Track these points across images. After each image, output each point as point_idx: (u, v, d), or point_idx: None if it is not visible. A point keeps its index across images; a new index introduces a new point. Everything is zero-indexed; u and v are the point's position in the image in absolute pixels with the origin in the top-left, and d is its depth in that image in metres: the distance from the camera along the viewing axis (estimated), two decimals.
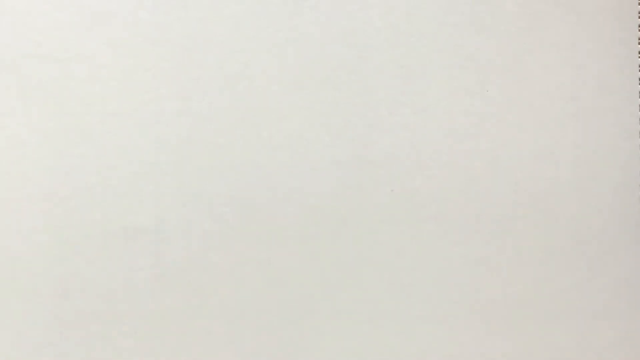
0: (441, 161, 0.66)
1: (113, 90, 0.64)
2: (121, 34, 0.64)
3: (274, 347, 0.65)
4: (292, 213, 0.65)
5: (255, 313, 0.65)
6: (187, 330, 0.64)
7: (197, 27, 0.65)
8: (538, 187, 0.67)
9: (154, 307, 0.64)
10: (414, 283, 0.66)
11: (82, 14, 0.64)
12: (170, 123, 0.64)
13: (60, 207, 0.63)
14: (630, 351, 0.68)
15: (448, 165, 0.66)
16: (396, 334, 0.66)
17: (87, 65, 0.64)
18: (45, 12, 0.64)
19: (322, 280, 0.65)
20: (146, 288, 0.64)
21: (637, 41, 0.68)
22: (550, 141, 0.67)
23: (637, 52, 0.68)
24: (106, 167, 0.64)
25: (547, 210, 0.67)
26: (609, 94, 0.68)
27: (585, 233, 0.68)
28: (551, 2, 0.68)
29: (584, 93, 0.67)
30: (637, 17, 0.68)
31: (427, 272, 0.66)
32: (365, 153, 0.65)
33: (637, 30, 0.68)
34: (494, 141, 0.67)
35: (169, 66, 0.64)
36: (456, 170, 0.66)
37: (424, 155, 0.66)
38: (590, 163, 0.68)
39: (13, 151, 0.63)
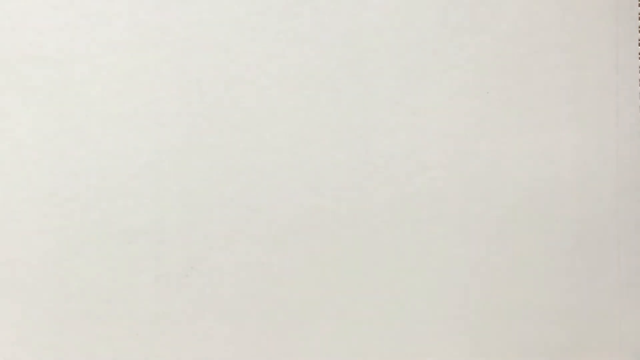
0: (442, 162, 0.66)
1: (113, 92, 0.64)
2: (122, 35, 0.64)
3: (274, 348, 0.65)
4: (292, 215, 0.65)
5: (256, 314, 0.65)
6: (187, 332, 0.64)
7: (197, 28, 0.65)
8: (538, 188, 0.67)
9: (154, 308, 0.64)
10: (415, 284, 0.66)
11: (82, 15, 0.64)
12: (170, 124, 0.64)
13: (60, 208, 0.63)
14: (630, 351, 0.68)
15: (448, 166, 0.66)
16: (396, 334, 0.66)
17: (88, 66, 0.64)
18: (46, 13, 0.64)
19: (323, 281, 0.65)
20: (146, 290, 0.64)
21: (637, 42, 0.68)
22: (550, 142, 0.67)
23: (638, 53, 0.68)
24: (106, 169, 0.64)
25: (548, 211, 0.67)
26: (609, 94, 0.68)
27: (585, 233, 0.68)
28: (551, 2, 0.67)
29: (584, 93, 0.67)
30: (637, 17, 0.68)
31: (428, 273, 0.66)
32: (366, 154, 0.66)
33: (637, 30, 0.68)
34: (495, 142, 0.67)
35: (169, 67, 0.64)
36: (457, 172, 0.66)
37: (424, 156, 0.66)
38: (590, 163, 0.68)
39: (13, 153, 0.63)
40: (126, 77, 0.64)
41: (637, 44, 0.68)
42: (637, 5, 0.68)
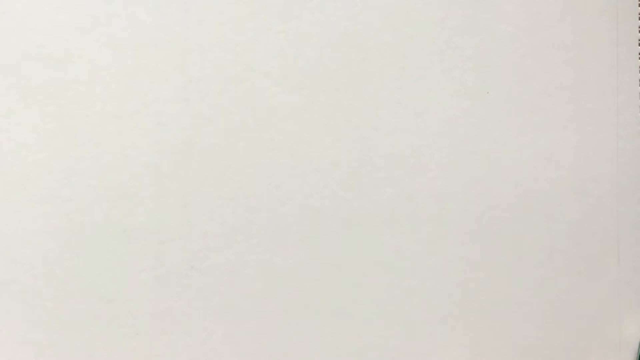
0: (442, 163, 0.66)
1: (114, 92, 0.64)
2: (122, 35, 0.64)
3: (274, 347, 0.65)
4: (292, 215, 0.65)
5: (256, 314, 0.65)
6: (187, 332, 0.64)
7: (198, 28, 0.65)
8: (538, 188, 0.67)
9: (154, 308, 0.64)
10: (415, 284, 0.66)
11: (83, 15, 0.64)
12: (171, 124, 0.64)
13: (61, 208, 0.63)
14: (630, 351, 0.68)
15: (449, 166, 0.66)
16: (396, 334, 0.66)
17: (88, 66, 0.64)
18: (47, 14, 0.64)
19: (323, 281, 0.65)
20: (147, 289, 0.64)
21: (637, 42, 0.68)
22: (550, 142, 0.67)
23: (638, 53, 0.68)
24: (107, 169, 0.64)
25: (548, 211, 0.67)
26: (609, 94, 0.68)
27: (585, 233, 0.68)
28: (551, 2, 0.68)
29: (584, 93, 0.67)
30: (637, 17, 0.68)
31: (428, 273, 0.66)
32: (366, 155, 0.66)
33: (637, 30, 0.68)
34: (495, 142, 0.67)
35: (169, 68, 0.64)
36: (457, 172, 0.66)
37: (424, 156, 0.66)
38: (590, 163, 0.68)
39: (14, 153, 0.63)
40: (126, 77, 0.64)
41: (637, 44, 0.68)
42: (637, 5, 0.68)
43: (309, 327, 0.65)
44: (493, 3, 0.67)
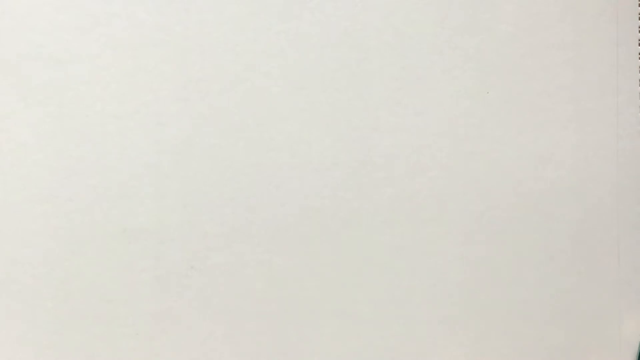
0: (442, 163, 0.66)
1: (114, 92, 0.64)
2: (122, 35, 0.64)
3: (274, 347, 0.65)
4: (292, 215, 0.65)
5: (256, 314, 0.65)
6: (187, 332, 0.64)
7: (198, 28, 0.65)
8: (538, 188, 0.67)
9: (154, 308, 0.64)
10: (415, 284, 0.66)
11: (83, 15, 0.64)
12: (171, 124, 0.64)
13: (61, 208, 0.63)
14: (630, 351, 0.68)
15: (449, 166, 0.66)
16: (396, 334, 0.66)
17: (88, 66, 0.64)
18: (47, 13, 0.64)
19: (323, 281, 0.65)
20: (147, 289, 0.64)
21: (637, 42, 0.68)
22: (550, 142, 0.67)
23: (638, 53, 0.68)
24: (107, 169, 0.64)
25: (548, 211, 0.67)
26: (609, 94, 0.68)
27: (585, 233, 0.68)
28: (551, 2, 0.68)
29: (584, 93, 0.67)
30: (637, 17, 0.68)
31: (428, 273, 0.66)
32: (366, 155, 0.66)
33: (637, 30, 0.68)
34: (495, 142, 0.67)
35: (169, 68, 0.64)
36: (457, 172, 0.66)
37: (424, 156, 0.66)
38: (590, 163, 0.68)
39: (13, 152, 0.63)
40: (126, 77, 0.64)
41: (637, 44, 0.68)
42: (637, 5, 0.68)
43: (309, 327, 0.65)
44: (493, 3, 0.67)
